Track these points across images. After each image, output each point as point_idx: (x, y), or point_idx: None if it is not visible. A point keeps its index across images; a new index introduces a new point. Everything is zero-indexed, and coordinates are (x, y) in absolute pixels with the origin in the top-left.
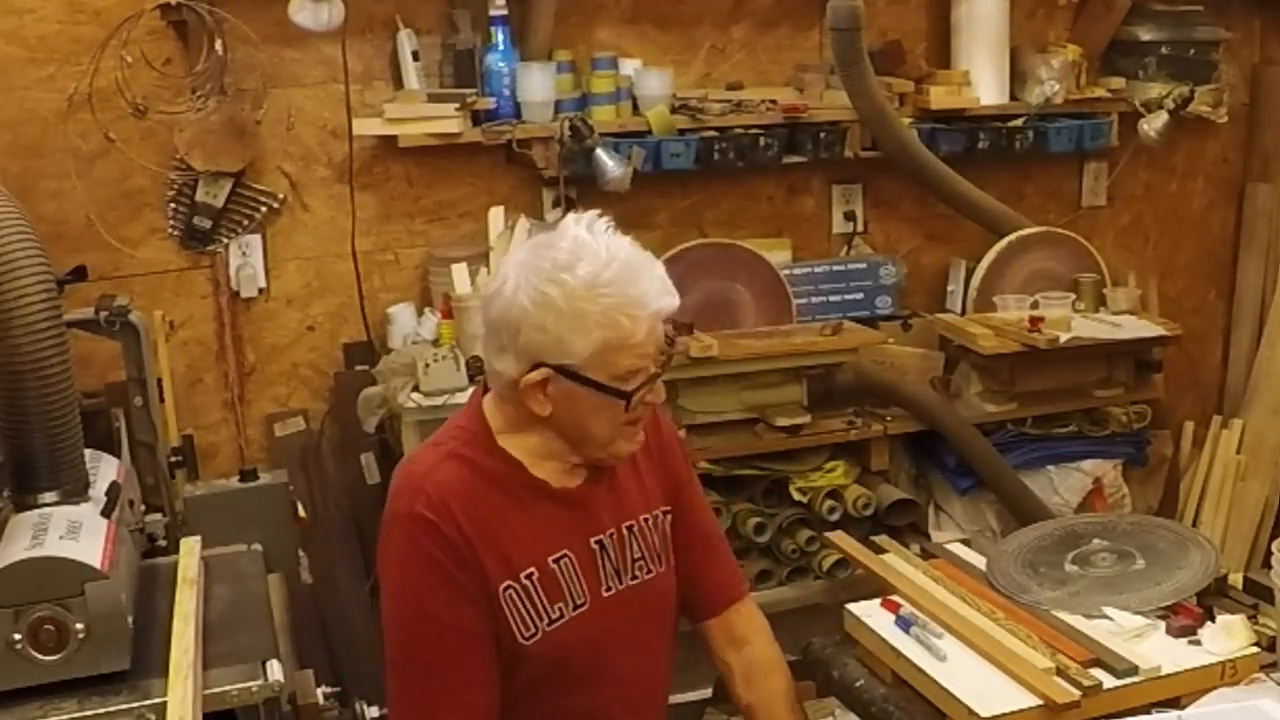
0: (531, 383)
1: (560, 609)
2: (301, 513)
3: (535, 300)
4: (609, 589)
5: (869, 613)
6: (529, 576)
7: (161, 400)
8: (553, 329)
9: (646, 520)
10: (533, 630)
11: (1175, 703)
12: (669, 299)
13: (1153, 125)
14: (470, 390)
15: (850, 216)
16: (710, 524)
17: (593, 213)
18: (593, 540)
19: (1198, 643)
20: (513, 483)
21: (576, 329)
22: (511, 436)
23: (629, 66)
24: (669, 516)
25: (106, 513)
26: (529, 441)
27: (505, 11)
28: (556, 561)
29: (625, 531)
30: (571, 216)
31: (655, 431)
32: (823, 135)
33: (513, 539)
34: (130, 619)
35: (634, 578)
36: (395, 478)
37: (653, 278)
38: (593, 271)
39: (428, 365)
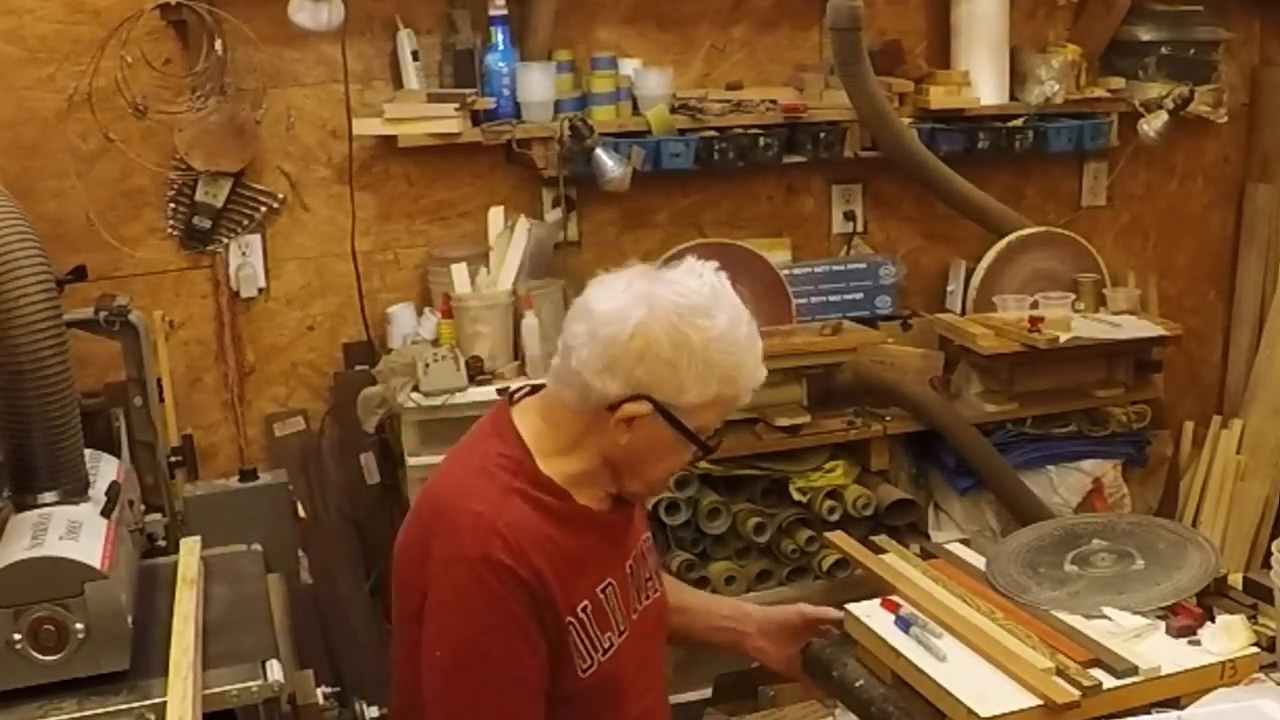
0: (629, 414)
1: (610, 638)
2: (301, 513)
3: (671, 337)
4: (635, 611)
5: (869, 613)
6: (584, 610)
7: (161, 400)
8: (683, 369)
9: (645, 540)
10: (589, 663)
11: (1175, 703)
12: (764, 373)
13: (1152, 125)
14: (467, 390)
15: (850, 216)
16: None
17: (713, 263)
18: (627, 564)
19: (1197, 643)
20: (565, 513)
21: (701, 377)
22: (554, 459)
23: (629, 66)
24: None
25: (106, 513)
26: (572, 466)
27: (505, 11)
28: (603, 590)
29: (642, 552)
30: (697, 260)
31: None
32: (822, 135)
33: (573, 573)
34: (130, 619)
35: (647, 597)
36: (456, 515)
37: (759, 347)
38: (730, 325)
39: (428, 365)
